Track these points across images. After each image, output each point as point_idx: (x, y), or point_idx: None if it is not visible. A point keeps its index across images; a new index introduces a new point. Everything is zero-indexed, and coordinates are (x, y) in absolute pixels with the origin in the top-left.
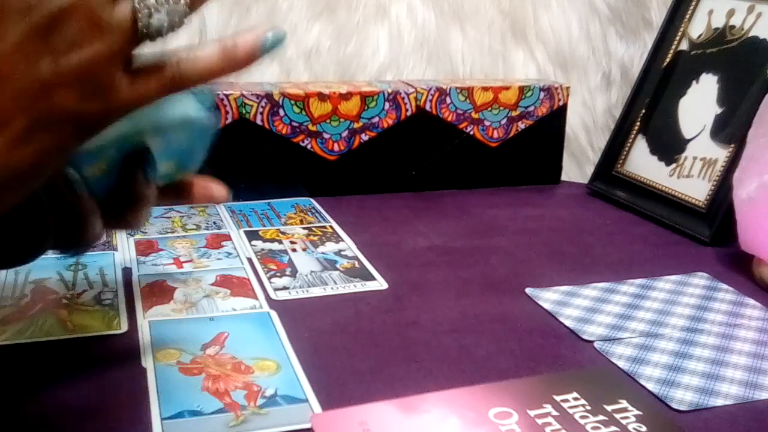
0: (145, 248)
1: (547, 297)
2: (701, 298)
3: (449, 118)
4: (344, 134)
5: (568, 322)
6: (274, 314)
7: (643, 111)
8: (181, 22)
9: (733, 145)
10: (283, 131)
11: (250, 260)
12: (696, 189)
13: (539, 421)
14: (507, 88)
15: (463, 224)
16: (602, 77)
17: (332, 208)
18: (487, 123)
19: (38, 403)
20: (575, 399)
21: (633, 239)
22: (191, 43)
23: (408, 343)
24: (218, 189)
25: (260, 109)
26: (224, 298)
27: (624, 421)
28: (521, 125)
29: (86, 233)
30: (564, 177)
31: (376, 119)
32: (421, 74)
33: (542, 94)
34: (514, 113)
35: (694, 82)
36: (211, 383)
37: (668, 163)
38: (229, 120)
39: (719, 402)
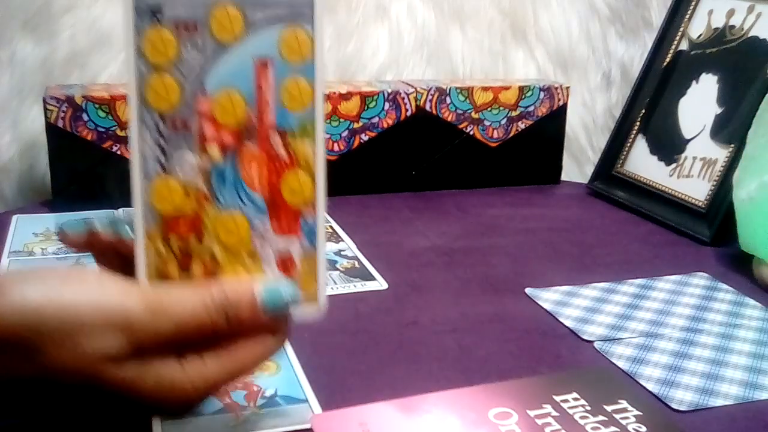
0: None
1: (547, 297)
2: (701, 299)
3: (449, 118)
4: (344, 134)
5: (568, 322)
6: None
7: (643, 111)
8: None
9: (733, 145)
10: None
11: None
12: (696, 189)
13: (539, 422)
14: (507, 88)
15: (463, 224)
16: (602, 77)
17: (332, 208)
18: (487, 123)
19: None
20: (575, 399)
21: (633, 239)
22: None
23: (408, 343)
24: None
25: None
26: None
27: (624, 422)
28: (521, 125)
29: None
30: (564, 177)
31: (376, 119)
32: (421, 74)
33: (542, 94)
34: (514, 113)
35: (694, 82)
36: None
37: (668, 163)
38: None
39: (719, 402)
